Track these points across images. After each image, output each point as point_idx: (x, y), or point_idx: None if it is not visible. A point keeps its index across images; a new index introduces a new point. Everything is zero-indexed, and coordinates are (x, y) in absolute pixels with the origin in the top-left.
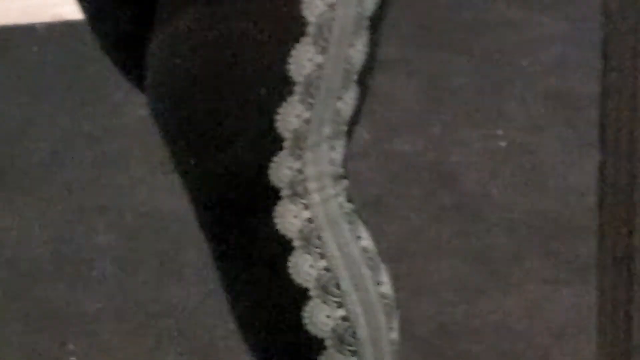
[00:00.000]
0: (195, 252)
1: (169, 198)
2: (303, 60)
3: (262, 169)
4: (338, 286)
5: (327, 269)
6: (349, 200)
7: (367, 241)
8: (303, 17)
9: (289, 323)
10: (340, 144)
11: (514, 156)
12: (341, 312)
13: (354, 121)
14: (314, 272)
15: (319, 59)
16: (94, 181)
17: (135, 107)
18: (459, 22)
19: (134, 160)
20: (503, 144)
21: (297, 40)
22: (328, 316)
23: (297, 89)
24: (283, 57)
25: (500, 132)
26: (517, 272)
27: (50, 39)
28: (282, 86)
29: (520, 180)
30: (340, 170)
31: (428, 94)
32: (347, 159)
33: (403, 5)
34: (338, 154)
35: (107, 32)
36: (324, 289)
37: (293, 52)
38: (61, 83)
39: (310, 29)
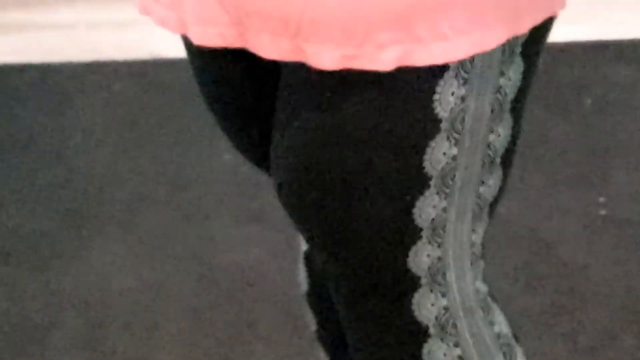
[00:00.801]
0: (275, 310)
1: (250, 250)
2: (438, 155)
3: (400, 260)
4: None
5: (460, 358)
6: (484, 281)
7: (501, 326)
8: (436, 114)
9: None
10: (481, 226)
11: (616, 226)
12: None
13: (497, 200)
14: None
15: (454, 151)
16: (175, 229)
17: (222, 153)
18: (559, 81)
19: (217, 208)
20: (604, 212)
21: (431, 138)
22: None
23: (433, 182)
24: (419, 156)
25: (602, 199)
26: (612, 351)
27: (143, 77)
28: (418, 183)
29: (621, 252)
30: (480, 251)
31: (525, 156)
32: (486, 239)
33: None
34: (478, 236)
35: (225, 101)
36: None
37: (428, 150)
38: (150, 123)
39: (444, 125)
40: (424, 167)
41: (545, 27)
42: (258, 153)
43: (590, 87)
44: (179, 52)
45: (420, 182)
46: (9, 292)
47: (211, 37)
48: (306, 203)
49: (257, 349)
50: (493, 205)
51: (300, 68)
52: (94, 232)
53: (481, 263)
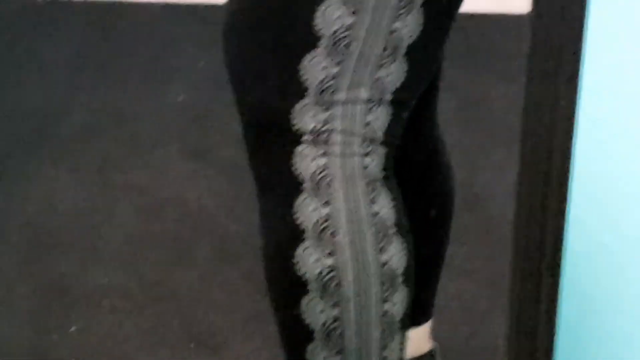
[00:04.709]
0: (212, 243)
1: (193, 186)
2: (331, 16)
3: (286, 111)
4: (334, 235)
5: (327, 218)
6: (385, 169)
7: (383, 209)
8: None
9: (282, 260)
10: (383, 111)
11: None
12: (330, 261)
13: (399, 93)
14: (314, 216)
15: (349, 20)
16: (122, 160)
17: (177, 95)
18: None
19: (164, 143)
20: None
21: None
22: (317, 260)
23: (323, 42)
24: (310, 10)
25: None
26: None
27: (100, 18)
28: (307, 37)
29: None
30: (379, 136)
31: (467, 115)
32: (398, 129)
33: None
34: (378, 120)
35: None
36: (319, 235)
37: (320, 8)
38: (104, 62)
39: None
40: (315, 24)
41: None
42: None
43: None
44: None
45: (310, 38)
46: None
47: None
48: (225, 43)
49: (192, 277)
50: (395, 96)
51: None
52: (43, 158)
53: (382, 148)
